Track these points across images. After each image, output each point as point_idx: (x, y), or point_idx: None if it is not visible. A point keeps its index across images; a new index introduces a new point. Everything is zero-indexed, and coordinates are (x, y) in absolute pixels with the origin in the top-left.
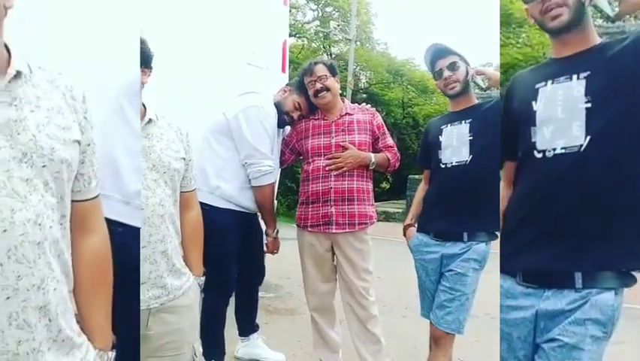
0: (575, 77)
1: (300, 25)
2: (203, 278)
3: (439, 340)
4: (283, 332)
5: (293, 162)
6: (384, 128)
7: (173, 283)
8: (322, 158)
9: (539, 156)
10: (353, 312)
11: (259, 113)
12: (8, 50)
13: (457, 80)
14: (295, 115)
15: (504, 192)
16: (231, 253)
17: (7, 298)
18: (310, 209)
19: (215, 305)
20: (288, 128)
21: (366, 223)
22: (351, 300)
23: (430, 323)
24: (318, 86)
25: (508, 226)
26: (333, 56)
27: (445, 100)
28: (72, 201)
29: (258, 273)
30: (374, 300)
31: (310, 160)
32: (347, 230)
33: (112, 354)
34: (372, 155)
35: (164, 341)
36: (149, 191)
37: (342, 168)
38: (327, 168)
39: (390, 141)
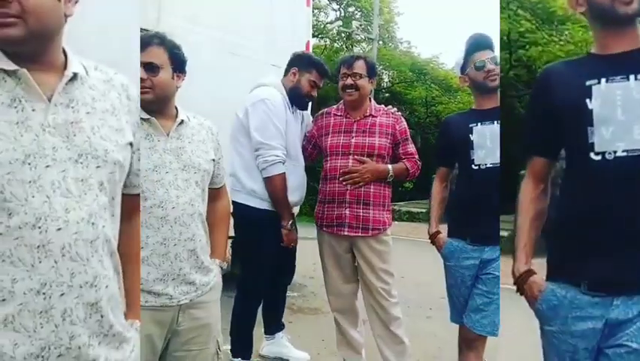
0: (632, 77)
1: (322, 26)
2: (225, 264)
3: (472, 343)
4: (307, 331)
5: (316, 158)
6: (408, 134)
7: (201, 280)
8: (340, 157)
9: (597, 158)
10: (375, 313)
11: (263, 105)
12: (65, 54)
13: (497, 74)
14: (315, 93)
15: (532, 193)
16: (269, 254)
17: (62, 294)
18: (326, 208)
19: (249, 305)
20: (307, 118)
21: (379, 229)
22: (372, 301)
23: (461, 326)
24: (349, 82)
25: (566, 232)
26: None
27: (470, 98)
28: (131, 195)
29: (289, 272)
30: (396, 301)
31: (328, 158)
32: (359, 234)
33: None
34: (390, 167)
35: (192, 335)
36: (180, 190)
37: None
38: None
39: (411, 148)
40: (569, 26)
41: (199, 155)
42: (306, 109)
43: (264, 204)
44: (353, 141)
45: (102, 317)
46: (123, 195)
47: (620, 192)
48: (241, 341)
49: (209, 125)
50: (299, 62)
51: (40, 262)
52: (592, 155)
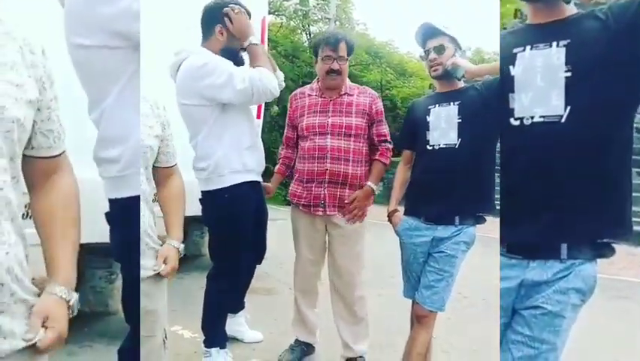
0: (554, 44)
1: (278, 3)
2: (182, 245)
3: (422, 318)
4: (260, 311)
5: (296, 141)
6: (383, 115)
7: (147, 263)
8: (317, 137)
9: (516, 123)
10: (338, 293)
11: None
12: None
13: (441, 63)
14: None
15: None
16: (247, 235)
17: None
18: (304, 188)
19: (226, 292)
20: None
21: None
22: (338, 281)
23: (414, 302)
24: (335, 66)
25: None
26: (312, 35)
27: (423, 83)
28: (41, 157)
29: (260, 250)
30: (362, 280)
31: (307, 138)
32: (336, 212)
33: (76, 296)
34: (374, 186)
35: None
36: None
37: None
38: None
39: (384, 129)
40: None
41: (145, 132)
42: (244, 64)
43: (232, 179)
44: (330, 120)
45: (2, 285)
46: (33, 158)
47: (536, 157)
48: (217, 331)
49: (155, 99)
50: (219, 16)
51: None
52: (512, 120)
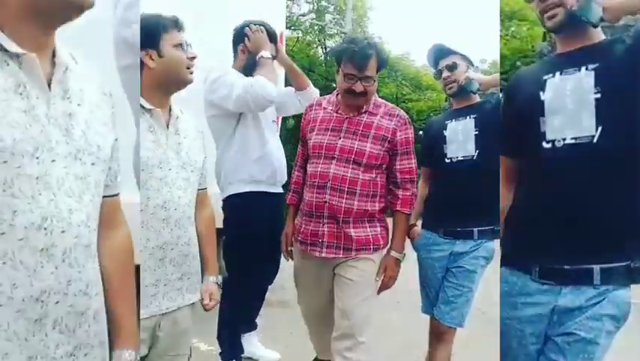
0: (583, 68)
1: (295, 18)
2: (220, 278)
3: (442, 335)
4: (276, 325)
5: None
6: (411, 145)
7: (187, 287)
8: (322, 160)
9: (548, 146)
10: (343, 335)
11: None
12: None
13: (455, 81)
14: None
15: (503, 190)
16: (257, 245)
17: (57, 302)
18: (303, 222)
19: (237, 303)
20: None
21: (364, 249)
22: (342, 324)
23: (432, 318)
24: (359, 88)
25: (519, 221)
26: (328, 49)
27: (439, 97)
28: (106, 196)
29: (274, 267)
30: (362, 341)
31: (311, 160)
32: (340, 255)
33: (136, 354)
34: (397, 255)
35: (169, 341)
36: (181, 190)
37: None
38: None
39: (411, 163)
40: (515, 23)
41: (195, 152)
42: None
43: (238, 187)
44: (339, 142)
45: (89, 326)
46: (103, 196)
47: (569, 179)
48: (232, 342)
49: (195, 122)
50: (241, 36)
51: (42, 266)
52: (543, 143)
